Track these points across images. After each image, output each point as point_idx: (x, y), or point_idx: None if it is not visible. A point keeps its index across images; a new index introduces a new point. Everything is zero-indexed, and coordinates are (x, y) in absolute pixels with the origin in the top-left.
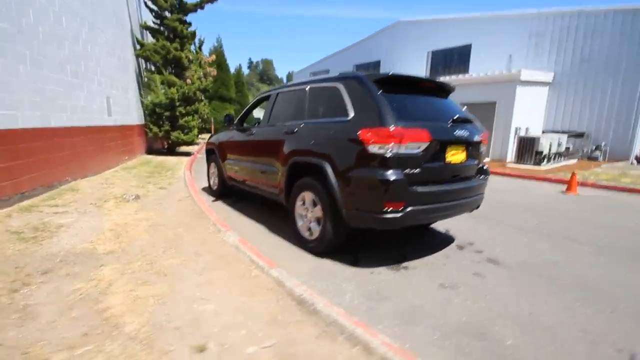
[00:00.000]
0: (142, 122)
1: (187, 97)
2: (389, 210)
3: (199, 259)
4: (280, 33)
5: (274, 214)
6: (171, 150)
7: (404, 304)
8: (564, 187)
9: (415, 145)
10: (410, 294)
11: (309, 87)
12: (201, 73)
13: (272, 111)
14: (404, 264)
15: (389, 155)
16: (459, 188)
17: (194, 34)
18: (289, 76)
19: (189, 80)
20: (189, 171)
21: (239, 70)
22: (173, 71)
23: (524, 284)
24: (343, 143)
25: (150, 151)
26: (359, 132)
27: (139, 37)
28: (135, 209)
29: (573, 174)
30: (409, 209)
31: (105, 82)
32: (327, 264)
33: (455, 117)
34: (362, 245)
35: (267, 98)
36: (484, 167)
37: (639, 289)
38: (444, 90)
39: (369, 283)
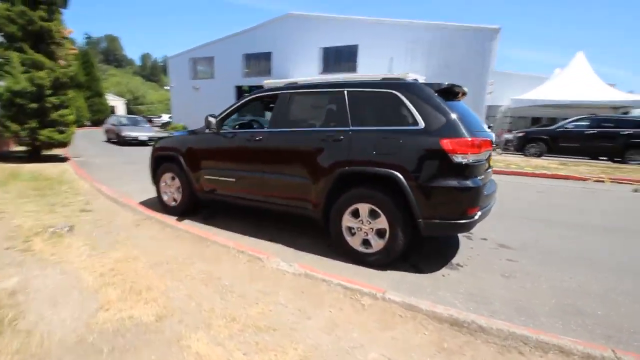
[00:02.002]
0: None
1: (61, 84)
2: (469, 215)
3: (278, 298)
4: (131, 8)
5: (277, 228)
6: (35, 155)
7: (503, 300)
8: None
9: (485, 153)
10: (493, 289)
11: (346, 90)
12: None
13: (286, 114)
14: (453, 262)
15: (470, 164)
16: (494, 188)
17: None
18: (145, 58)
19: (62, 62)
20: (97, 183)
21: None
22: (37, 48)
23: (547, 263)
24: (419, 153)
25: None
26: (441, 143)
27: None
28: (88, 247)
29: None
30: (479, 212)
31: None
32: (397, 275)
33: (490, 125)
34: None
35: (268, 98)
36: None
37: (614, 252)
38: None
39: (455, 287)
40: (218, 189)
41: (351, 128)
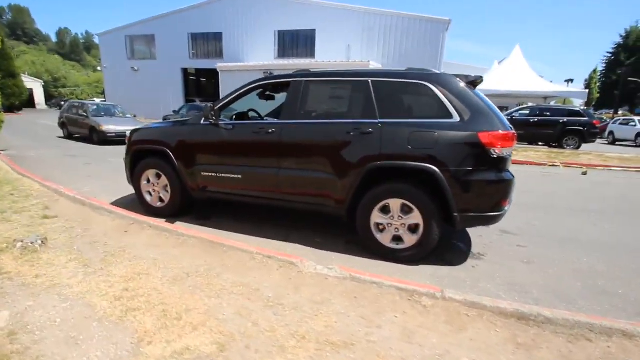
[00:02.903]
0: None
1: None
2: (502, 207)
3: (335, 307)
4: None
5: (282, 226)
6: None
7: (538, 287)
8: None
9: (514, 146)
10: (523, 276)
11: (371, 79)
12: None
13: (301, 105)
14: (474, 252)
15: (504, 156)
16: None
17: None
18: (62, 34)
19: None
20: (50, 182)
21: None
22: None
23: (550, 246)
24: (457, 147)
25: None
26: (479, 136)
27: None
28: (78, 263)
29: None
30: (509, 204)
31: None
32: (430, 270)
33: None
34: None
35: (273, 85)
36: None
37: (594, 232)
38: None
39: (491, 278)
40: (219, 187)
41: (380, 120)
